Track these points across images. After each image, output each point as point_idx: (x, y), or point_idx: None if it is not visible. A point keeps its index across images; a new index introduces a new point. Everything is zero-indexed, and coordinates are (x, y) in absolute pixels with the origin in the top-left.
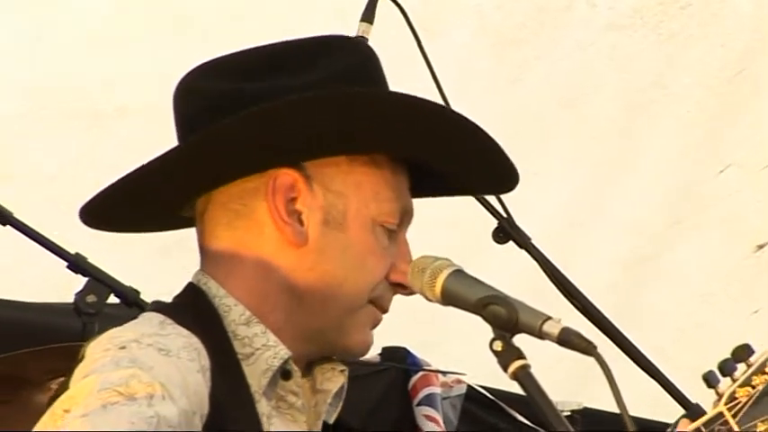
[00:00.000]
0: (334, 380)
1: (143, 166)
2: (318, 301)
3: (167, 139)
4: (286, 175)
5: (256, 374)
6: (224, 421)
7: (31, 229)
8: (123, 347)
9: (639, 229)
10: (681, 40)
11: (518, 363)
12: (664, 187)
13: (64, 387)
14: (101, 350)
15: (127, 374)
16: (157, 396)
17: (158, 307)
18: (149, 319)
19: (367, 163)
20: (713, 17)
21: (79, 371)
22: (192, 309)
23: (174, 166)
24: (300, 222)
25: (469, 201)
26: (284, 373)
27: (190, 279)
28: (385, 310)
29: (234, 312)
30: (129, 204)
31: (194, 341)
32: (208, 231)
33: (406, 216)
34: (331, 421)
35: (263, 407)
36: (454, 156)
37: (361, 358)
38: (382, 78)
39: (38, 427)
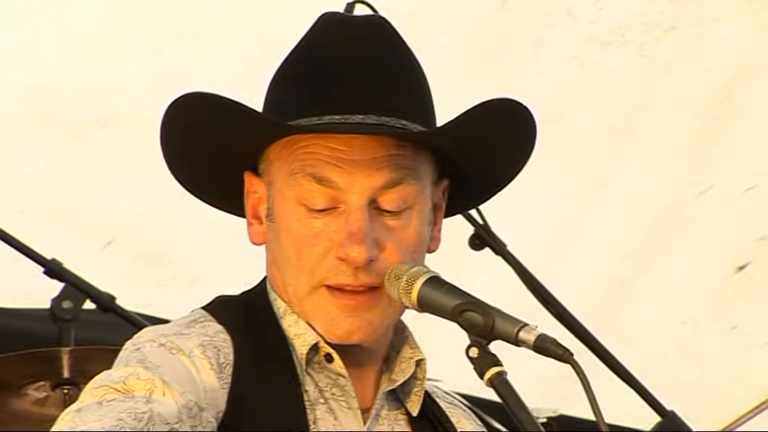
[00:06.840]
0: (406, 370)
1: None
2: (282, 292)
3: (149, 150)
4: (246, 179)
5: (300, 363)
6: (252, 415)
7: (7, 234)
8: (138, 348)
9: (621, 250)
10: (664, 64)
11: (494, 369)
12: (645, 207)
13: None
14: (123, 349)
15: (127, 372)
16: (157, 392)
17: (211, 304)
18: (184, 319)
19: (284, 146)
20: (697, 41)
21: None
22: (249, 303)
23: None
24: (261, 221)
25: None
26: (327, 357)
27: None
28: (343, 290)
29: (275, 306)
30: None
31: (219, 339)
32: None
33: (345, 189)
34: (415, 413)
35: (310, 395)
36: None
37: None
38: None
39: None
